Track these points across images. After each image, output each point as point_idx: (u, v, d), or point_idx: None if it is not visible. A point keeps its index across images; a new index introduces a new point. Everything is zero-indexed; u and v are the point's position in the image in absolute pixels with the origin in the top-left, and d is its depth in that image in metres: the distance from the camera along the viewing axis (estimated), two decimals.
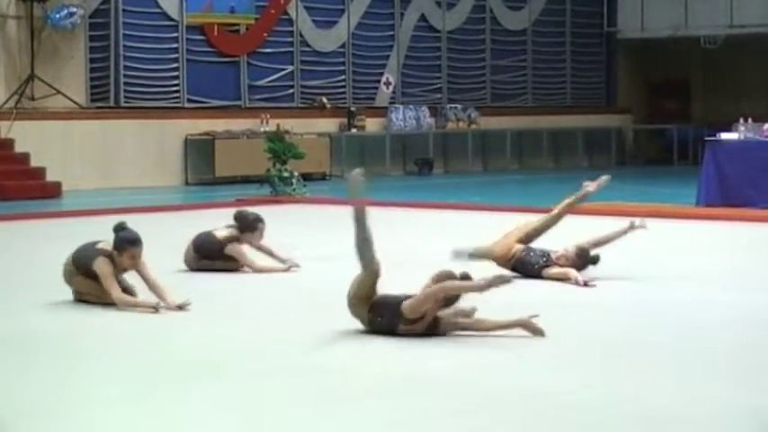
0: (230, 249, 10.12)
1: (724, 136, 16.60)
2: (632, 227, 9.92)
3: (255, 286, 9.70)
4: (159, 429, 5.53)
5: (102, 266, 8.29)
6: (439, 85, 25.97)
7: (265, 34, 23.20)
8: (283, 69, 23.49)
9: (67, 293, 8.59)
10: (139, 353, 7.14)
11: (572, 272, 9.46)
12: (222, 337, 7.58)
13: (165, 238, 13.25)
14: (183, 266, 10.40)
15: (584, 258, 9.58)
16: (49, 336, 7.67)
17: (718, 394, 6.07)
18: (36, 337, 7.63)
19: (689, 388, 6.18)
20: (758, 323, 8.00)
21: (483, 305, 7.49)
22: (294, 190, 18.43)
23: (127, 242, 8.42)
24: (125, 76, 21.42)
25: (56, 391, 6.22)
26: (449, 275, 7.25)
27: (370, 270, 7.30)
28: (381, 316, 7.25)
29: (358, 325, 7.75)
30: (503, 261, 9.68)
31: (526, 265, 9.68)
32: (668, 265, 10.19)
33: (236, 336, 7.63)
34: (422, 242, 12.19)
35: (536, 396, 6.00)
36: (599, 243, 9.87)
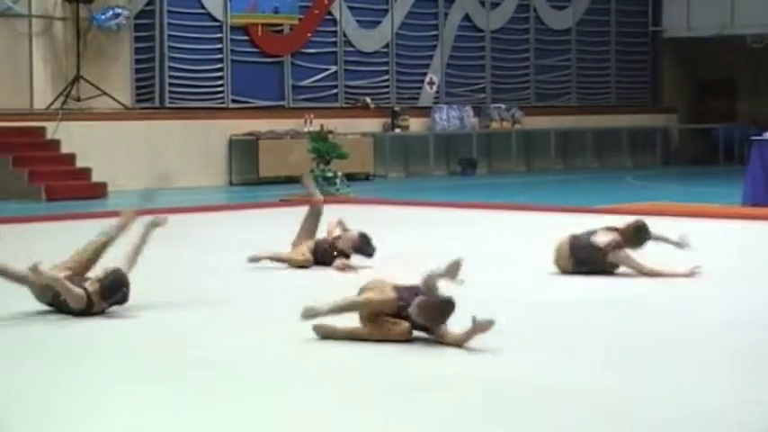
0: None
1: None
2: (680, 245, 9.81)
3: (295, 286, 9.73)
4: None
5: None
6: (483, 85, 25.94)
7: (309, 34, 23.27)
8: (327, 69, 23.56)
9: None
10: (186, 351, 7.19)
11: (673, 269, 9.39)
12: (270, 336, 7.61)
13: (210, 239, 13.34)
14: (213, 264, 10.46)
15: (641, 234, 9.50)
16: (86, 336, 7.73)
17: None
18: (82, 337, 7.70)
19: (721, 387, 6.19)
20: None
21: (511, 305, 7.48)
22: (338, 190, 18.49)
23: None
24: (170, 76, 21.55)
25: (96, 390, 6.28)
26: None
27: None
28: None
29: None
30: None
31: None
32: (717, 265, 10.12)
33: (284, 335, 7.66)
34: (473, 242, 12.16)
35: (572, 396, 6.01)
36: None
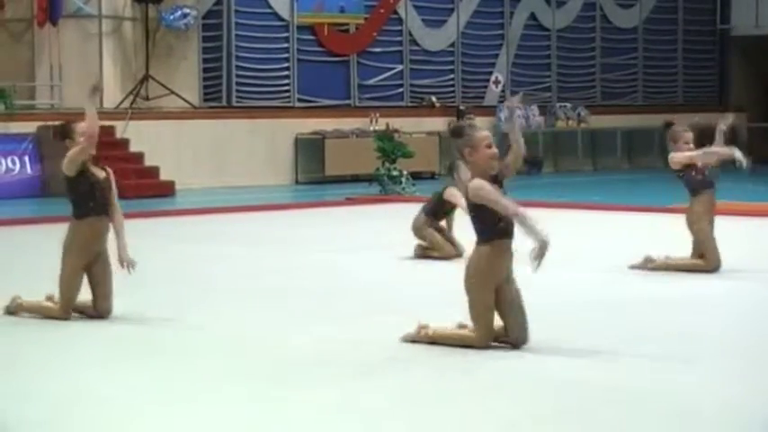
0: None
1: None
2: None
3: (357, 285, 9.77)
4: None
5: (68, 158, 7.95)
6: (548, 84, 25.84)
7: (375, 34, 23.31)
8: (393, 68, 23.59)
9: (178, 289, 8.67)
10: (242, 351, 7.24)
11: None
12: (327, 336, 7.65)
13: (276, 236, 13.43)
14: (292, 264, 10.53)
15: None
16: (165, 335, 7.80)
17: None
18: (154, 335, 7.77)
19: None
20: None
21: (584, 304, 7.46)
22: (403, 189, 18.51)
23: (68, 125, 8.11)
24: (237, 76, 21.69)
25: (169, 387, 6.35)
26: None
27: None
28: None
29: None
30: None
31: None
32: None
33: (336, 336, 7.69)
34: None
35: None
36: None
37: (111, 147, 19.73)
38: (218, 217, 15.50)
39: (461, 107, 23.99)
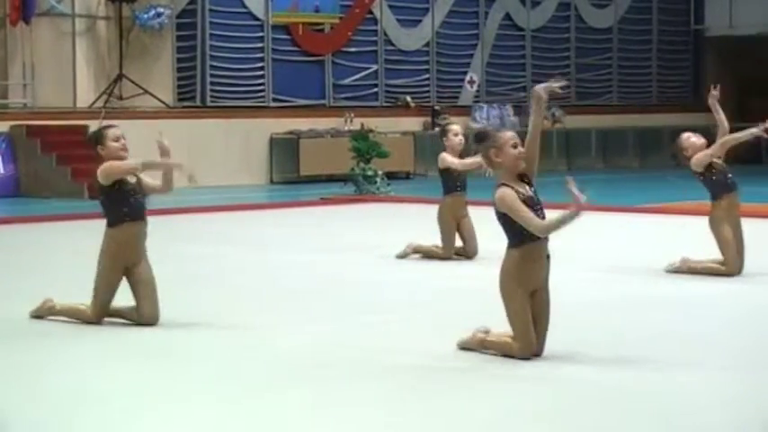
0: None
1: None
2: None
3: (336, 284, 9.77)
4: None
5: (106, 169, 7.89)
6: (523, 84, 25.89)
7: (350, 33, 23.30)
8: (368, 68, 23.58)
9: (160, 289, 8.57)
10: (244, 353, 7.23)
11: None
12: (315, 337, 7.64)
13: (250, 237, 13.40)
14: (271, 264, 10.50)
15: None
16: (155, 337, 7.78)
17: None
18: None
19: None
20: None
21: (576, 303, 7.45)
22: (378, 189, 18.51)
23: (100, 131, 8.03)
24: (211, 75, 21.64)
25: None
26: None
27: None
28: None
29: (439, 324, 7.79)
30: None
31: None
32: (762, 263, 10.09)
33: (321, 339, 7.68)
34: None
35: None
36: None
37: (84, 146, 19.67)
38: (193, 216, 15.47)
39: (436, 107, 24.02)
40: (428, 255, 10.91)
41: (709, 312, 8.43)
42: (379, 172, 18.77)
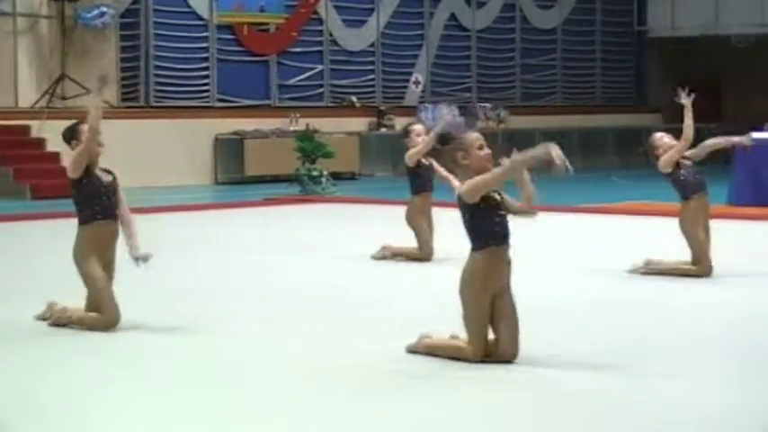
0: None
1: (755, 135, 16.52)
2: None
3: (285, 286, 9.75)
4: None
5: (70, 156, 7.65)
6: (468, 84, 25.97)
7: (295, 33, 23.26)
8: (313, 68, 23.55)
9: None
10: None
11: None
12: (254, 338, 7.62)
13: (196, 237, 13.35)
14: (210, 264, 10.46)
15: None
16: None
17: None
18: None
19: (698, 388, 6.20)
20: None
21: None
22: (323, 189, 18.49)
23: (75, 126, 7.80)
24: (155, 75, 21.52)
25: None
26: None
27: None
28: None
29: (384, 324, 7.79)
30: None
31: None
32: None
33: (262, 339, 7.66)
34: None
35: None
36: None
37: (27, 146, 19.53)
38: (138, 217, 15.34)
39: (382, 107, 24.04)
40: (408, 257, 10.78)
41: (676, 316, 8.42)
42: (325, 172, 18.75)
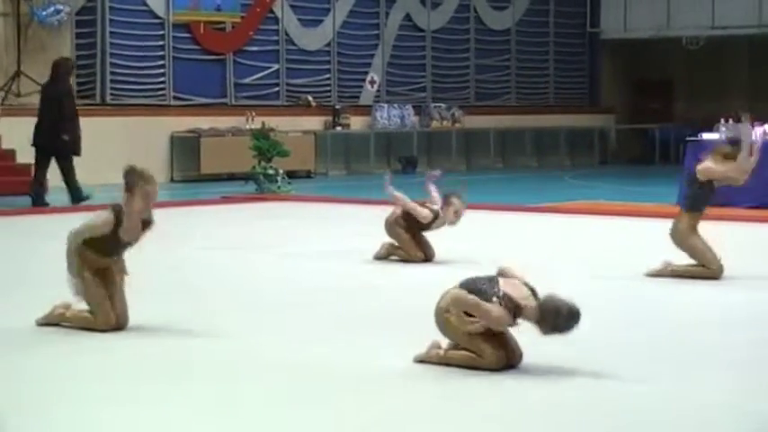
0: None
1: (705, 136, 16.68)
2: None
3: (239, 281, 9.74)
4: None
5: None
6: (423, 84, 26.02)
7: (251, 32, 23.20)
8: (269, 67, 23.51)
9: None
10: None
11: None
12: (205, 337, 7.61)
13: (151, 235, 13.25)
14: (171, 261, 10.42)
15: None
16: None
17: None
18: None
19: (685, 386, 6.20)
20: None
21: None
22: (279, 187, 18.47)
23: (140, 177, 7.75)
24: (111, 73, 21.40)
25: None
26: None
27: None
28: None
29: (345, 321, 7.80)
30: None
31: None
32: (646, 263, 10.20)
33: (226, 335, 7.65)
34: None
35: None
36: None
37: None
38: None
39: (337, 106, 24.04)
40: (398, 256, 10.69)
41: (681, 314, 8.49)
42: (280, 171, 18.73)
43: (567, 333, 6.32)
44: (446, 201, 10.68)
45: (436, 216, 10.59)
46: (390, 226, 10.71)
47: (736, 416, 5.71)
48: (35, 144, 16.93)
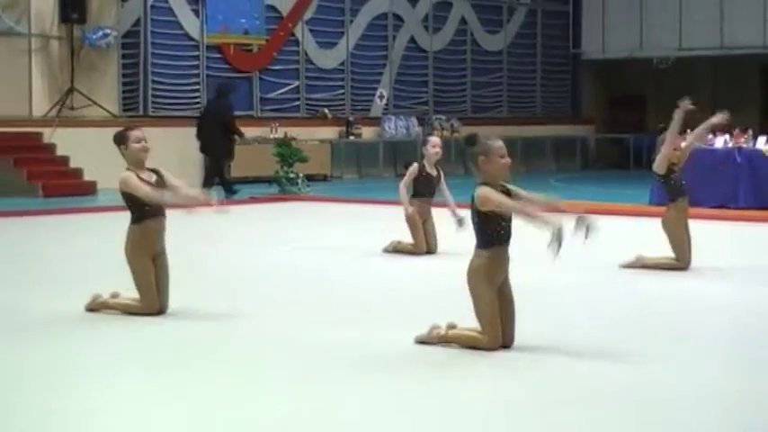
0: None
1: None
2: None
3: (258, 273, 9.76)
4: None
5: (126, 182, 7.57)
6: (426, 99, 26.03)
7: (275, 53, 23.24)
8: (290, 84, 23.54)
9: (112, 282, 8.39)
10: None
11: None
12: (228, 325, 7.62)
13: (193, 232, 13.31)
14: (214, 256, 10.43)
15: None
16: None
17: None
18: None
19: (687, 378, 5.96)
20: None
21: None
22: (299, 189, 18.52)
23: (125, 131, 7.75)
24: (153, 89, 21.46)
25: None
26: None
27: None
28: None
29: (367, 314, 7.74)
30: None
31: None
32: (630, 256, 10.20)
33: (248, 324, 7.66)
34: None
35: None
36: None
37: (39, 151, 19.42)
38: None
39: (350, 118, 24.06)
40: (403, 251, 10.53)
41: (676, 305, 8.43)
42: (300, 175, 18.78)
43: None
44: (424, 142, 10.79)
45: (423, 166, 10.54)
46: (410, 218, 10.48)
47: (731, 393, 5.56)
48: (204, 151, 18.53)
